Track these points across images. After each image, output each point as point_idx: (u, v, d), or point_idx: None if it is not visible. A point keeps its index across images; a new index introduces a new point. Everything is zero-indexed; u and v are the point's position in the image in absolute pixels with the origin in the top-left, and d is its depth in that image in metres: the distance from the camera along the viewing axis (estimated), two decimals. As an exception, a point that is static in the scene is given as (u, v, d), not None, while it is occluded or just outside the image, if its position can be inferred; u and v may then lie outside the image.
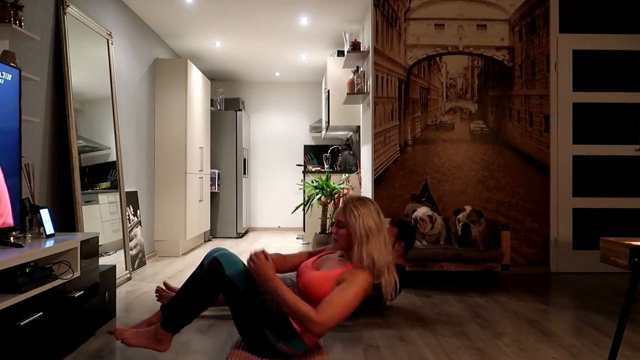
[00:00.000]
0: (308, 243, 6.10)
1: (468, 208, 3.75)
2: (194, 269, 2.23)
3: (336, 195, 4.93)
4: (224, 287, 2.02)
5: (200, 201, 6.02)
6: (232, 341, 2.26)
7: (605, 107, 4.51)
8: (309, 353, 2.10)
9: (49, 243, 2.30)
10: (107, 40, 4.07)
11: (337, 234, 2.13)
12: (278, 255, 2.34)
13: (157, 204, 5.38)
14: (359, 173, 5.62)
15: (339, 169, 6.66)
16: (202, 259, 2.28)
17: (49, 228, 2.50)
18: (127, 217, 4.29)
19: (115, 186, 4.10)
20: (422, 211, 3.81)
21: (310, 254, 2.39)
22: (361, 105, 5.32)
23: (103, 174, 3.99)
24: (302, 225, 6.89)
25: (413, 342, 2.53)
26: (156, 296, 2.96)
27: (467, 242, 3.74)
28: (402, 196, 4.37)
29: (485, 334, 2.65)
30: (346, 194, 5.06)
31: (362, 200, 2.13)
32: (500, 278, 3.98)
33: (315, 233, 4.96)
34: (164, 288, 3.00)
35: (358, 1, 4.54)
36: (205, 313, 2.96)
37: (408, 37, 4.43)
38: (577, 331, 2.73)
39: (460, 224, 3.70)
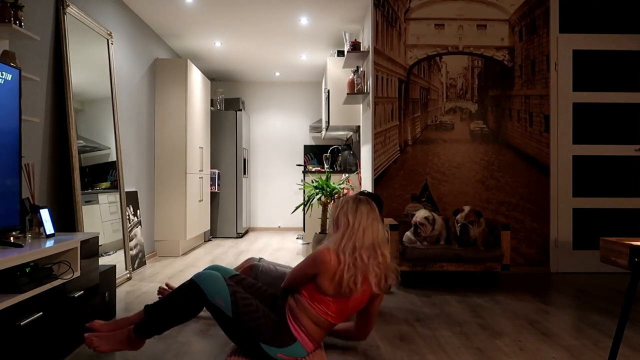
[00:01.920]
0: (308, 243, 6.10)
1: (467, 208, 3.74)
2: (194, 269, 2.24)
3: (336, 195, 4.92)
4: (211, 311, 2.03)
5: (200, 201, 6.02)
6: (230, 346, 2.25)
7: (605, 107, 4.50)
8: (309, 357, 2.09)
9: (49, 243, 2.31)
10: (107, 40, 4.07)
11: None
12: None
13: (157, 204, 5.38)
14: (359, 173, 5.62)
15: (339, 169, 6.66)
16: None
17: (49, 228, 2.50)
18: (127, 217, 4.29)
19: (115, 186, 4.10)
20: (421, 215, 3.77)
21: None
22: (361, 105, 5.32)
23: (103, 174, 3.99)
24: (302, 225, 6.89)
25: (413, 342, 2.53)
26: (159, 297, 2.97)
27: (467, 242, 3.73)
28: (402, 196, 4.37)
29: (485, 334, 2.65)
30: (346, 194, 5.06)
31: (348, 198, 2.21)
32: (500, 278, 3.98)
33: (315, 233, 4.96)
34: (167, 288, 3.01)
35: (358, 1, 4.54)
36: (204, 315, 2.99)
37: (408, 37, 4.43)
38: (577, 331, 2.74)
39: (459, 224, 3.69)
